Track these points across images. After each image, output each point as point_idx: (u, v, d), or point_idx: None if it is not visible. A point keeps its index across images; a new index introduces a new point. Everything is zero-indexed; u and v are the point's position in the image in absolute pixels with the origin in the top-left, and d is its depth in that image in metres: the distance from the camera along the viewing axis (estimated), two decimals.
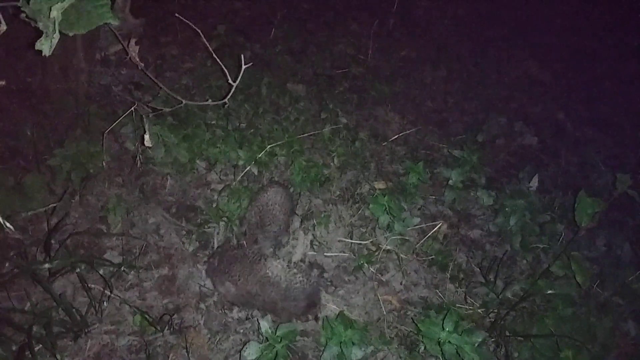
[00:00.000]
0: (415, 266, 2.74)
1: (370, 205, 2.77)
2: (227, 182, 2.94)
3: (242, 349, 2.11)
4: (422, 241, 2.81)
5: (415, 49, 4.64)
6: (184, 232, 2.67)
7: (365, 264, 2.63)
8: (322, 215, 2.84)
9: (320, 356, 2.14)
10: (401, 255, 2.74)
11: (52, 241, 2.31)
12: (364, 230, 2.86)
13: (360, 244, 2.78)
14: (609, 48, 5.33)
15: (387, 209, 2.71)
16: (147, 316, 2.18)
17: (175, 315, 2.29)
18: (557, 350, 2.23)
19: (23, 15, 1.23)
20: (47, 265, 2.14)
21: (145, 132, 2.22)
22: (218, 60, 1.97)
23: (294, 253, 2.67)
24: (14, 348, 1.92)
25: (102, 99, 3.14)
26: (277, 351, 2.06)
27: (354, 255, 2.72)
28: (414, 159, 3.34)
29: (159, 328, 2.20)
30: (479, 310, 2.53)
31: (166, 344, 2.20)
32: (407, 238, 2.79)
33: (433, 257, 2.75)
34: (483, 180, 3.18)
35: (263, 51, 4.03)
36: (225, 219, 2.67)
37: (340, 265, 2.68)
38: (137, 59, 2.08)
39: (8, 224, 2.00)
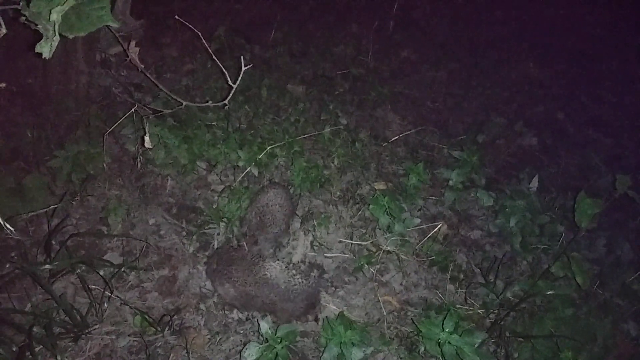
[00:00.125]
0: (415, 267, 2.75)
1: (371, 206, 2.77)
2: (228, 183, 2.95)
3: (242, 349, 2.11)
4: (422, 242, 2.81)
5: (415, 50, 4.64)
6: (185, 233, 2.67)
7: (366, 265, 2.63)
8: (322, 216, 2.85)
9: (320, 357, 2.14)
10: (401, 256, 2.74)
11: (53, 242, 2.31)
12: (364, 231, 2.87)
13: (360, 244, 2.78)
14: (609, 48, 5.33)
15: (387, 210, 2.71)
16: (147, 317, 2.19)
17: (175, 316, 2.29)
18: (557, 351, 2.23)
19: (23, 18, 1.24)
20: (47, 266, 2.14)
21: (145, 134, 2.23)
22: (218, 62, 1.98)
23: (294, 254, 2.67)
24: (14, 349, 1.93)
25: (102, 101, 3.15)
26: (277, 352, 2.06)
27: (354, 256, 2.72)
28: (414, 159, 3.35)
29: (159, 329, 2.21)
30: (479, 311, 2.53)
31: (166, 344, 2.20)
32: (407, 239, 2.79)
33: (433, 257, 2.75)
34: (483, 181, 3.18)
35: (263, 52, 4.03)
36: (225, 220, 2.68)
37: (340, 266, 2.69)
38: (138, 61, 2.09)
39: (8, 226, 2.00)
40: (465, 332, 2.10)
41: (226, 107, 2.37)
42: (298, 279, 2.27)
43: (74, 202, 2.65)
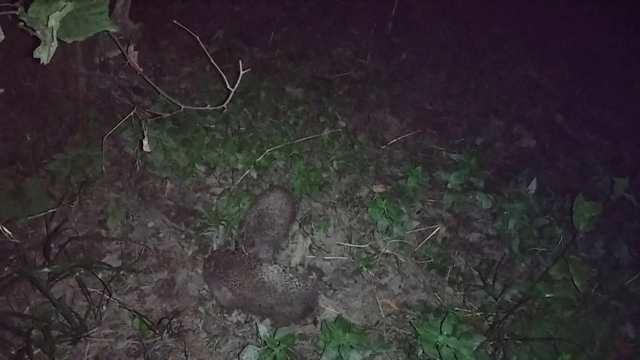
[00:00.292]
0: (414, 269, 2.75)
1: (369, 209, 2.78)
2: (226, 186, 2.95)
3: (241, 352, 2.12)
4: (420, 244, 2.82)
5: (414, 53, 4.65)
6: (183, 236, 2.68)
7: (364, 268, 2.63)
8: (321, 219, 2.85)
9: None
10: (400, 258, 2.74)
11: (52, 245, 2.32)
12: (362, 234, 2.87)
13: (359, 247, 2.78)
14: (608, 50, 5.34)
15: (386, 213, 2.72)
16: (146, 320, 2.19)
17: (174, 319, 2.29)
18: (556, 353, 2.24)
19: (21, 24, 1.24)
20: (46, 270, 2.14)
21: (144, 137, 2.23)
22: (216, 66, 1.99)
23: (293, 257, 2.68)
24: (13, 352, 1.93)
25: (101, 104, 3.15)
26: (275, 355, 2.06)
27: (353, 259, 2.72)
28: (413, 162, 3.35)
29: (157, 332, 2.21)
30: (477, 314, 2.53)
31: (165, 347, 2.20)
32: (405, 241, 2.79)
33: (432, 260, 2.75)
34: (482, 184, 3.19)
35: (262, 55, 4.04)
36: (224, 222, 2.68)
37: (339, 268, 2.69)
38: (136, 64, 2.09)
39: (6, 229, 2.00)
40: (463, 334, 2.11)
41: (225, 110, 2.38)
42: (295, 282, 2.27)
43: (72, 205, 2.65)
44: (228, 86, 1.92)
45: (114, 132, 2.74)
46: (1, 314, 2.08)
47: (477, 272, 2.77)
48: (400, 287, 2.65)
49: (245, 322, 2.36)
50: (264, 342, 2.09)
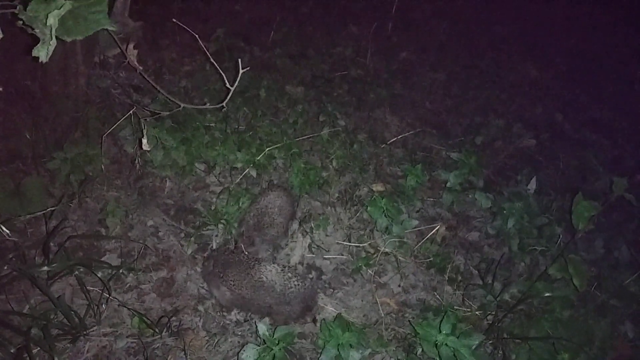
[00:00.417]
0: (413, 268, 2.75)
1: (369, 208, 2.78)
2: (226, 184, 2.95)
3: (240, 351, 2.12)
4: (420, 243, 2.82)
5: (413, 52, 4.65)
6: (183, 235, 2.68)
7: (364, 267, 2.64)
8: (321, 217, 2.85)
9: (318, 359, 2.14)
10: (399, 257, 2.74)
11: (51, 244, 2.31)
12: (362, 233, 2.87)
13: (358, 246, 2.78)
14: (608, 50, 5.35)
15: (386, 212, 2.72)
16: (145, 318, 2.19)
17: (173, 318, 2.29)
18: (555, 352, 2.23)
19: (20, 22, 1.24)
20: (45, 268, 2.15)
21: (143, 136, 2.23)
22: (215, 64, 1.98)
23: (292, 255, 2.68)
24: (12, 350, 1.93)
25: (101, 102, 3.15)
26: (274, 354, 2.06)
27: (352, 258, 2.72)
28: (413, 161, 3.35)
29: (157, 330, 2.21)
30: (476, 313, 2.53)
31: (164, 346, 2.20)
32: (405, 240, 2.79)
33: (431, 259, 2.75)
34: (481, 183, 3.18)
35: (262, 54, 4.04)
36: (223, 221, 2.68)
37: (338, 267, 2.69)
38: (136, 63, 2.09)
39: (4, 228, 2.00)
40: (462, 333, 2.11)
41: (224, 109, 2.37)
42: (294, 281, 2.27)
43: (72, 204, 2.65)
44: (228, 85, 1.92)
45: (114, 130, 2.74)
46: (1, 312, 2.08)
47: (476, 271, 2.77)
48: (399, 286, 2.65)
49: (245, 321, 2.36)
50: (263, 340, 2.09)
